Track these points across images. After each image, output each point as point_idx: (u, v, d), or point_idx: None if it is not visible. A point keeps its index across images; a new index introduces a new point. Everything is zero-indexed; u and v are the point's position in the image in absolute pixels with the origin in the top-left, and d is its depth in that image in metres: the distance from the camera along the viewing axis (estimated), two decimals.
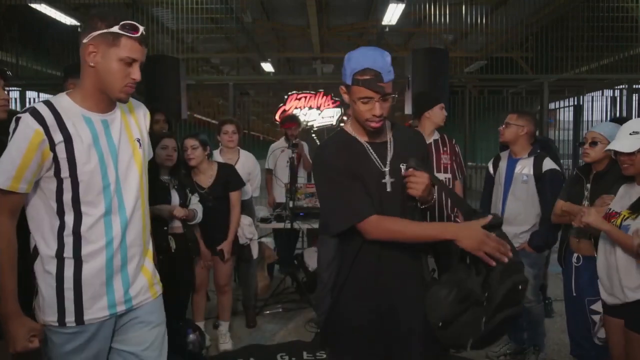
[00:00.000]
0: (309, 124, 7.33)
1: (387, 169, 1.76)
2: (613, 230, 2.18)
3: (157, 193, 3.10)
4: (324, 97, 7.48)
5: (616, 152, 2.26)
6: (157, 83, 5.76)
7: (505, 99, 8.35)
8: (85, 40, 1.56)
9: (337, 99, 7.51)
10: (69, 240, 1.57)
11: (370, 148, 1.78)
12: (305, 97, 7.48)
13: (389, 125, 1.83)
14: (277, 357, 3.57)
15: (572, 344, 2.94)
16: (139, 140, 1.73)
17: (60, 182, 1.55)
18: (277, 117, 7.65)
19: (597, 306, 2.57)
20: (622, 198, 2.31)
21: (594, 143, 2.67)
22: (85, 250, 1.58)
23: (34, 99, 8.74)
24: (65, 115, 1.55)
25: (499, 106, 8.04)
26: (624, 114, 8.06)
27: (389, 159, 1.78)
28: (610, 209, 2.32)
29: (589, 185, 2.73)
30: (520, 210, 3.18)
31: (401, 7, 7.15)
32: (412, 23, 9.86)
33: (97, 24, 1.55)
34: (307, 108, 7.47)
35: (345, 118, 6.90)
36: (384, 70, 1.65)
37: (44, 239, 1.58)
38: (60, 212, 1.57)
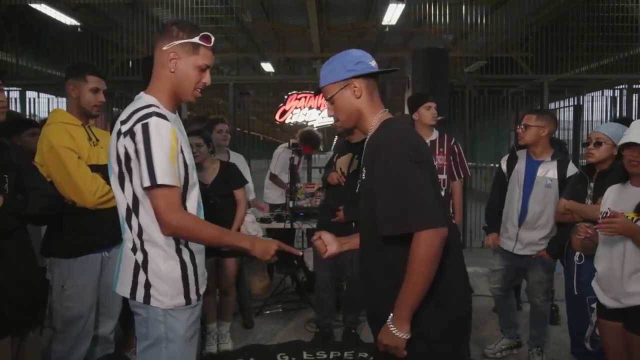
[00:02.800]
0: (309, 124, 7.32)
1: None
2: None
3: None
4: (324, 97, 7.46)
5: (624, 150, 2.21)
6: None
7: (505, 99, 8.35)
8: (165, 48, 1.71)
9: None
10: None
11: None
12: (305, 97, 7.47)
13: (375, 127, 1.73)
14: (277, 357, 3.57)
15: (573, 343, 2.94)
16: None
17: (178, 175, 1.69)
18: (277, 117, 7.64)
19: None
20: (618, 200, 2.28)
21: (598, 143, 2.67)
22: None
23: (34, 99, 8.74)
24: (168, 116, 1.70)
25: (499, 106, 8.04)
26: (624, 114, 8.06)
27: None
28: (607, 212, 2.27)
29: (592, 184, 2.73)
30: (541, 214, 3.15)
31: (401, 7, 7.15)
32: (412, 23, 9.85)
33: (178, 33, 1.71)
34: (307, 108, 7.46)
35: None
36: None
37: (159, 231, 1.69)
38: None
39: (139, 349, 1.78)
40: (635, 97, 8.28)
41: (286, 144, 5.29)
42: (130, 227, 1.73)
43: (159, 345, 1.73)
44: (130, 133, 1.63)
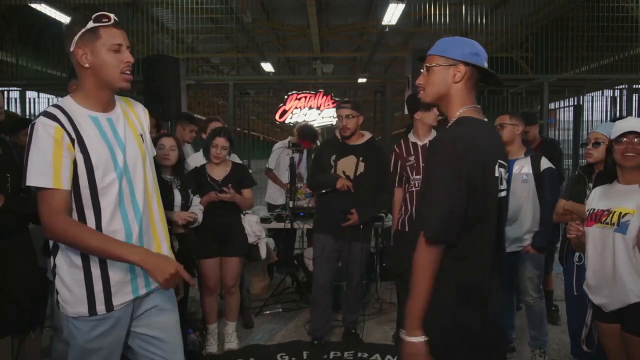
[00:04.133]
0: (309, 124, 7.33)
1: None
2: None
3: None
4: (324, 97, 7.46)
5: (618, 142, 2.16)
6: (157, 83, 5.76)
7: (505, 99, 8.35)
8: (72, 49, 1.64)
9: (337, 99, 7.51)
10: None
11: None
12: (305, 97, 7.47)
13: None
14: (277, 357, 3.57)
15: (573, 343, 2.94)
16: (141, 136, 1.81)
17: (76, 178, 1.61)
18: (277, 117, 7.64)
19: None
20: (603, 198, 2.26)
21: (597, 143, 2.67)
22: None
23: (34, 99, 8.74)
24: (74, 115, 1.63)
25: (499, 106, 8.04)
26: (624, 114, 8.06)
27: None
28: (594, 208, 2.25)
29: (591, 185, 2.73)
30: (520, 209, 3.19)
31: (401, 7, 7.14)
32: (412, 23, 9.86)
33: (75, 28, 1.63)
34: (307, 108, 7.46)
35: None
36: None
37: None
38: (80, 209, 1.63)
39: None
40: (635, 97, 8.28)
41: (286, 141, 5.29)
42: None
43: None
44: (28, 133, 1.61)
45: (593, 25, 7.73)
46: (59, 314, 2.44)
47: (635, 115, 8.08)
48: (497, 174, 1.61)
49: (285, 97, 7.57)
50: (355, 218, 3.52)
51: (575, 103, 8.93)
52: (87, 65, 1.64)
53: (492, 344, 1.65)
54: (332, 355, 3.60)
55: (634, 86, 8.20)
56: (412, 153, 3.50)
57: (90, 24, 1.62)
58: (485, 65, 1.66)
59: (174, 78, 5.92)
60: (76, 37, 1.62)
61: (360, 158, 3.54)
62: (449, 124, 1.67)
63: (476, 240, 1.60)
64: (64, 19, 7.81)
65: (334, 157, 3.61)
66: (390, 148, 3.87)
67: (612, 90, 8.58)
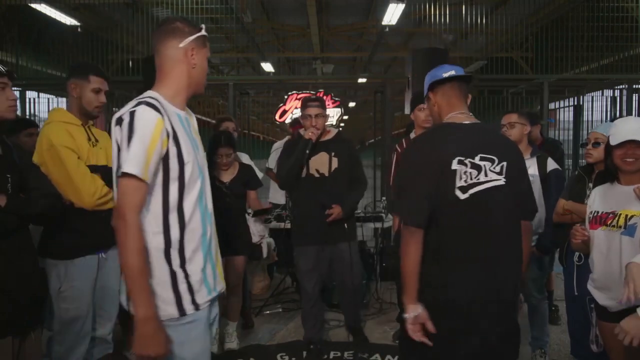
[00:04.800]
0: None
1: None
2: None
3: None
4: (324, 97, 7.47)
5: (618, 147, 2.15)
6: None
7: (505, 99, 8.35)
8: (182, 45, 1.69)
9: (337, 99, 7.51)
10: (175, 227, 1.61)
11: None
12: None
13: None
14: (277, 357, 3.57)
15: (573, 343, 2.94)
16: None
17: (167, 171, 1.59)
18: (277, 117, 7.64)
19: None
20: (604, 199, 2.24)
21: (596, 144, 2.66)
22: (188, 242, 1.63)
23: (34, 99, 8.74)
24: (167, 109, 1.63)
25: (499, 106, 8.04)
26: (624, 114, 8.07)
27: None
28: (598, 211, 2.23)
29: (591, 185, 2.73)
30: None
31: (401, 7, 7.14)
32: (412, 23, 9.86)
33: (187, 28, 1.71)
34: None
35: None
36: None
37: (150, 227, 1.58)
38: (165, 199, 1.60)
39: None
40: (635, 97, 8.29)
41: (284, 140, 5.29)
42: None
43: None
44: (119, 121, 1.56)
45: (593, 25, 7.73)
46: (56, 316, 2.45)
47: (635, 115, 8.08)
48: (454, 168, 1.82)
49: (285, 97, 7.57)
50: (337, 211, 3.30)
51: (575, 103, 8.93)
52: (194, 65, 1.72)
53: (454, 334, 1.81)
54: (332, 355, 3.60)
55: (634, 86, 8.20)
56: None
57: (203, 32, 1.74)
58: (445, 73, 2.00)
59: None
60: (193, 37, 1.70)
61: (333, 153, 3.39)
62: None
63: (445, 234, 1.83)
64: (64, 19, 7.82)
65: (307, 155, 3.39)
66: (391, 148, 3.87)
67: (612, 90, 8.59)
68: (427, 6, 7.87)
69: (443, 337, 1.80)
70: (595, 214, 2.24)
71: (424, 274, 1.82)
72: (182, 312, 1.60)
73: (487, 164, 1.85)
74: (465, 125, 1.95)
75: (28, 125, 3.34)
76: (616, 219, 2.15)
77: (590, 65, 8.24)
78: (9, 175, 2.04)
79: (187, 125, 1.71)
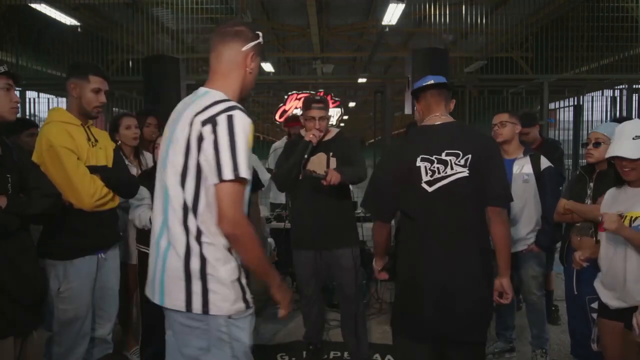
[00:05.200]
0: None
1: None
2: (635, 237, 2.08)
3: None
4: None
5: (616, 156, 2.21)
6: (157, 83, 5.75)
7: (505, 99, 8.35)
8: (244, 49, 1.73)
9: (337, 99, 7.51)
10: None
11: None
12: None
13: None
14: (277, 357, 3.57)
15: (573, 343, 2.95)
16: None
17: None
18: (277, 117, 7.64)
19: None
20: (615, 202, 2.28)
21: (597, 144, 2.67)
22: None
23: (34, 99, 8.74)
24: None
25: (499, 106, 8.04)
26: (624, 114, 8.07)
27: None
28: (607, 213, 2.25)
29: (591, 184, 2.74)
30: (524, 209, 3.18)
31: (401, 7, 7.14)
32: (412, 23, 9.86)
33: (250, 34, 1.74)
34: None
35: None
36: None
37: (215, 226, 1.60)
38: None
39: None
40: (635, 97, 8.29)
41: (283, 140, 5.29)
42: (187, 229, 1.60)
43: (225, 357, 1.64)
44: (212, 122, 1.54)
45: (593, 25, 7.73)
46: (55, 317, 2.45)
47: (635, 115, 8.08)
48: (418, 164, 2.10)
49: (285, 97, 7.58)
50: (335, 175, 2.95)
51: (575, 103, 8.93)
52: (250, 70, 1.76)
53: (415, 317, 2.16)
54: (332, 355, 3.60)
55: (634, 86, 8.20)
56: None
57: (261, 39, 1.77)
58: (425, 82, 2.29)
59: (174, 78, 5.91)
60: (254, 43, 1.74)
61: (331, 153, 3.21)
62: None
63: (411, 228, 2.17)
64: (64, 18, 7.82)
65: (305, 159, 3.24)
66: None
67: (612, 90, 8.59)
68: (427, 6, 7.88)
69: (404, 306, 2.23)
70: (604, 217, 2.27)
71: (398, 257, 2.24)
72: (247, 304, 1.67)
73: (453, 158, 2.09)
74: (436, 126, 2.20)
75: (29, 125, 3.34)
76: (622, 220, 2.17)
77: (590, 65, 8.25)
78: (9, 176, 2.04)
79: None
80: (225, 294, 1.61)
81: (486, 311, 2.20)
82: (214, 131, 1.53)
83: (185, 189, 1.59)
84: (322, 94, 7.44)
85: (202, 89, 1.74)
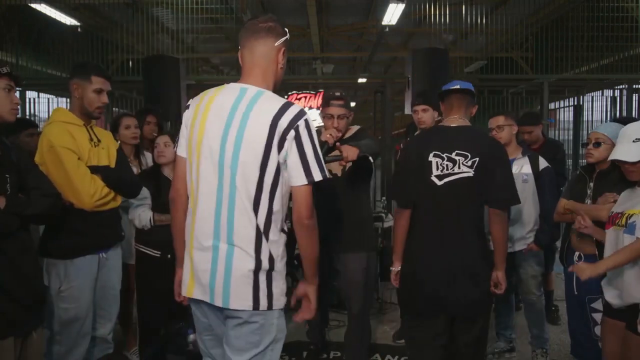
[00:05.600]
0: None
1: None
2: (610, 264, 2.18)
3: (162, 191, 3.09)
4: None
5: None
6: (157, 83, 5.76)
7: (505, 99, 8.35)
8: (277, 44, 1.78)
9: None
10: (285, 228, 1.80)
11: None
12: (305, 97, 7.47)
13: None
14: None
15: (573, 343, 2.94)
16: None
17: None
18: None
19: (598, 304, 2.57)
20: (626, 202, 2.30)
21: (597, 144, 2.67)
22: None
23: (34, 99, 8.74)
24: None
25: (499, 106, 8.04)
26: (624, 114, 8.08)
27: None
28: (613, 211, 2.31)
29: (592, 184, 2.74)
30: (523, 209, 3.19)
31: (401, 7, 7.13)
32: (412, 23, 9.85)
33: (280, 29, 1.79)
34: (307, 108, 7.47)
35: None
36: None
37: (277, 228, 1.74)
38: (285, 202, 1.76)
39: (244, 358, 1.69)
40: (635, 97, 8.29)
41: None
42: (258, 228, 1.68)
43: (266, 350, 1.72)
44: (296, 128, 1.63)
45: (593, 25, 7.73)
46: (55, 316, 2.45)
47: (635, 115, 8.08)
48: (430, 159, 2.33)
49: (286, 97, 7.56)
50: (351, 150, 2.57)
51: (575, 103, 8.94)
52: (281, 65, 1.81)
53: (419, 294, 2.40)
54: (332, 355, 3.60)
55: (634, 86, 8.21)
56: None
57: (288, 35, 1.82)
58: (450, 87, 2.46)
59: (174, 78, 5.92)
60: (284, 38, 1.80)
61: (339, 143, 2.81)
62: None
63: (419, 215, 2.40)
64: (64, 18, 7.82)
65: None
66: (390, 148, 3.87)
67: (612, 90, 8.59)
68: (427, 6, 7.87)
69: (406, 291, 2.49)
70: (610, 215, 2.32)
71: (407, 242, 2.45)
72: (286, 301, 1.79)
73: (462, 159, 2.31)
74: (451, 128, 2.42)
75: (28, 125, 3.34)
76: (622, 218, 2.21)
77: (590, 65, 8.24)
78: (7, 176, 2.04)
79: None
80: (283, 289, 1.77)
81: (486, 289, 2.40)
82: (298, 136, 1.64)
83: (263, 189, 1.66)
84: (322, 94, 7.44)
85: (250, 87, 1.73)
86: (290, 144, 1.63)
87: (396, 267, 2.51)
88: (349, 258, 2.93)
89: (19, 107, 2.20)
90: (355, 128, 3.13)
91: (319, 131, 4.05)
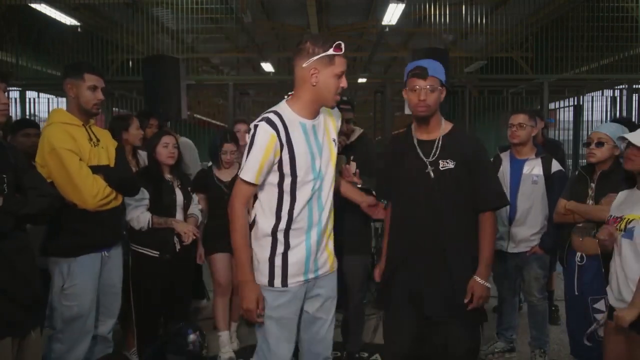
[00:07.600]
0: None
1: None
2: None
3: (162, 193, 3.10)
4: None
5: (629, 147, 2.21)
6: (157, 83, 5.75)
7: (505, 99, 8.35)
8: (305, 65, 1.91)
9: None
10: (284, 219, 1.97)
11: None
12: None
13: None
14: None
15: (573, 344, 2.94)
16: (334, 140, 2.12)
17: (282, 175, 1.94)
18: None
19: (600, 305, 2.56)
20: (622, 204, 2.29)
21: (599, 144, 2.66)
22: (293, 231, 1.98)
23: (34, 99, 8.74)
24: (288, 122, 1.94)
25: (499, 106, 8.05)
26: (624, 114, 8.08)
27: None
28: (612, 215, 2.29)
29: (593, 185, 2.72)
30: (530, 210, 3.17)
31: (401, 7, 7.13)
32: (412, 23, 9.85)
33: (314, 49, 1.89)
34: None
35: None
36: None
37: (265, 216, 1.99)
38: (280, 196, 1.97)
39: None
40: (635, 97, 8.29)
41: None
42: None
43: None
44: (250, 130, 1.94)
45: (593, 25, 7.73)
46: (58, 314, 2.46)
47: (635, 115, 8.08)
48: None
49: (286, 97, 7.56)
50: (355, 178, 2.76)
51: (575, 103, 8.94)
52: (314, 84, 1.91)
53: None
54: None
55: (634, 86, 8.21)
56: None
57: (331, 52, 1.89)
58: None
59: (174, 78, 5.92)
60: (314, 58, 1.89)
61: (352, 157, 3.03)
62: (453, 128, 2.33)
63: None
64: (64, 18, 7.82)
65: None
66: None
67: (612, 90, 8.59)
68: (427, 6, 7.87)
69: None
70: (609, 218, 2.29)
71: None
72: (270, 283, 1.98)
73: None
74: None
75: (24, 125, 3.33)
76: (621, 222, 2.19)
77: (590, 65, 8.24)
78: (4, 175, 2.04)
79: (311, 131, 1.99)
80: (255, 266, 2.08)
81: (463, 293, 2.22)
82: (248, 138, 1.99)
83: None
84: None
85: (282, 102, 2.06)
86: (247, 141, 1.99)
87: (382, 263, 2.50)
88: (350, 261, 2.97)
89: (8, 107, 2.19)
90: (357, 131, 3.24)
91: None
